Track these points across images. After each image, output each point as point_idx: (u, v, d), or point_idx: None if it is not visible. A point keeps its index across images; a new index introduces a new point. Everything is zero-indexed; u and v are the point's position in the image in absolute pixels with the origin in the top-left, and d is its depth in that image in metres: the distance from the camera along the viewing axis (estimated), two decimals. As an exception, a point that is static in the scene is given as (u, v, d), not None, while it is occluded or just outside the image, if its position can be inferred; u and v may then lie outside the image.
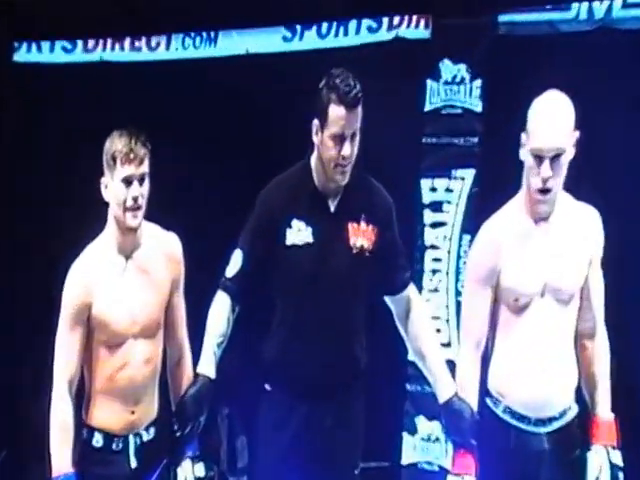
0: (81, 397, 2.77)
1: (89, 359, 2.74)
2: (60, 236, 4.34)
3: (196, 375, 2.80)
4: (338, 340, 2.80)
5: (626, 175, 4.01)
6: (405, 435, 4.37)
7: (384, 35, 4.50)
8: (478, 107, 4.35)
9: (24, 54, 5.06)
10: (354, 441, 2.86)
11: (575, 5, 4.16)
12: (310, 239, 2.78)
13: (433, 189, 4.44)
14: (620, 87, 3.98)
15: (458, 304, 4.25)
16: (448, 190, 4.41)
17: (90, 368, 2.75)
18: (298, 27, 4.62)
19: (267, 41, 4.67)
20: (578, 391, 2.78)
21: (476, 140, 4.35)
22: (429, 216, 4.44)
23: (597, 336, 2.79)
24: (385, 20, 4.50)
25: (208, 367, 2.79)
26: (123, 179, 2.69)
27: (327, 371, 2.79)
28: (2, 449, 4.85)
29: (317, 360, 2.78)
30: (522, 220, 2.73)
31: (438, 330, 4.22)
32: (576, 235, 2.74)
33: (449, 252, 4.39)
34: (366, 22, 4.53)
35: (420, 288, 4.13)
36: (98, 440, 2.74)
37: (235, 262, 2.82)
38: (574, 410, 2.77)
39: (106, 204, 2.75)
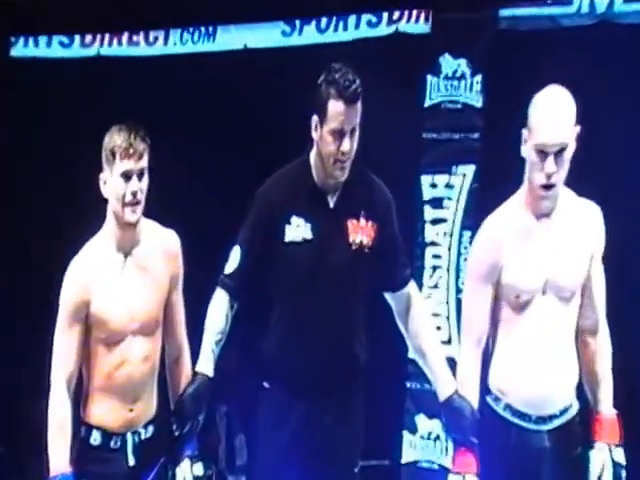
0: (79, 395, 2.76)
1: (87, 357, 2.73)
2: (58, 233, 4.33)
3: (195, 374, 2.79)
4: (337, 337, 2.79)
5: (627, 170, 4.01)
6: (405, 433, 4.36)
7: (384, 30, 4.49)
8: (479, 102, 4.34)
9: (21, 49, 5.06)
10: (354, 439, 2.85)
11: (576, -1, 4.16)
12: (309, 235, 2.77)
13: (433, 185, 4.43)
14: (621, 82, 3.97)
15: (458, 301, 4.24)
16: (448, 186, 4.40)
17: (88, 366, 2.74)
18: (297, 22, 4.61)
19: (266, 36, 4.67)
20: (579, 388, 2.77)
21: (477, 136, 4.34)
22: (429, 212, 4.43)
23: (599, 332, 2.78)
24: (385, 15, 4.49)
25: (207, 365, 2.78)
26: (122, 174, 2.69)
27: (326, 368, 2.78)
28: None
29: (316, 358, 2.77)
30: (523, 216, 2.72)
31: (438, 327, 4.22)
32: (578, 231, 2.73)
33: (449, 249, 4.38)
34: (366, 17, 4.53)
35: (420, 285, 4.12)
36: (96, 438, 2.73)
37: (234, 259, 2.82)
38: (575, 407, 2.76)
39: (105, 200, 2.74)
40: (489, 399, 2.74)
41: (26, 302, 4.81)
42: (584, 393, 2.78)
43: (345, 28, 4.56)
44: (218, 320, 2.79)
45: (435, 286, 4.38)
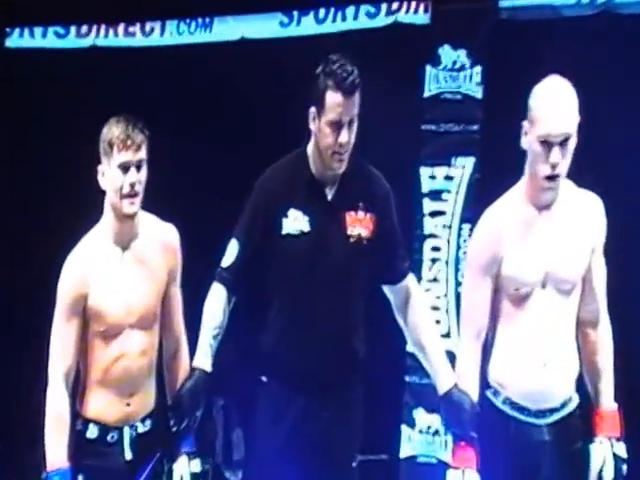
0: (76, 388, 2.75)
1: (84, 350, 2.73)
2: (56, 226, 4.32)
3: (192, 369, 2.78)
4: (336, 331, 2.78)
5: (628, 162, 4.01)
6: (404, 427, 4.35)
7: (383, 20, 4.48)
8: (478, 93, 4.33)
9: (16, 39, 5.06)
10: (352, 433, 2.84)
11: (578, -11, 4.14)
12: (307, 228, 2.76)
13: (432, 177, 4.41)
14: (622, 72, 3.95)
15: (458, 294, 4.23)
16: (448, 178, 4.38)
17: (85, 359, 2.74)
18: (295, 12, 4.59)
19: (263, 27, 4.65)
20: (579, 382, 2.76)
21: (476, 127, 4.33)
22: (428, 205, 4.41)
23: (600, 325, 2.77)
24: (384, 5, 4.49)
25: (204, 361, 2.77)
26: (120, 165, 2.68)
27: (325, 363, 2.77)
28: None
29: (314, 351, 2.76)
30: (524, 208, 2.71)
31: (437, 321, 4.21)
32: (579, 223, 2.72)
33: (449, 241, 4.37)
34: (364, 7, 4.52)
35: (419, 278, 4.10)
36: (93, 431, 2.73)
37: (231, 252, 2.81)
38: (575, 401, 2.75)
39: (102, 193, 2.73)
40: (488, 393, 2.73)
41: (24, 296, 4.79)
42: (584, 386, 2.77)
43: (344, 19, 4.55)
44: (216, 314, 2.78)
45: (434, 279, 4.37)
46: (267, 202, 2.77)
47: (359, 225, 2.78)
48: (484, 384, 2.73)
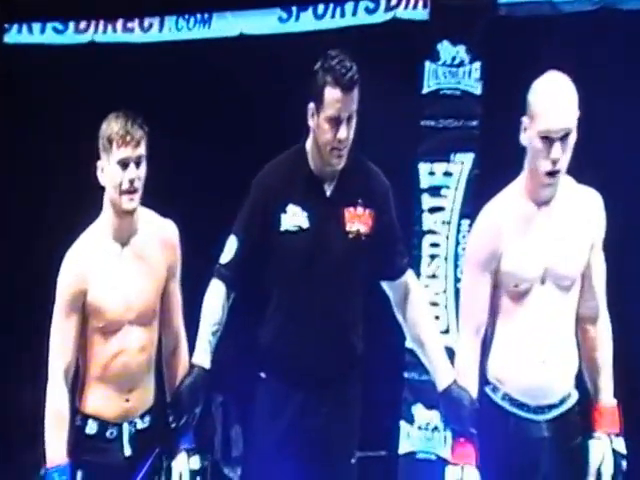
0: (75, 384, 2.75)
1: (84, 346, 2.72)
2: (55, 222, 4.31)
3: (191, 366, 2.78)
4: (334, 327, 2.78)
5: (627, 158, 4.00)
6: (403, 424, 4.34)
7: (381, 16, 4.47)
8: (477, 89, 4.31)
9: (14, 35, 5.04)
10: (351, 430, 2.84)
11: (577, -16, 4.13)
12: (306, 224, 2.76)
13: (431, 173, 4.40)
14: (622, 67, 3.95)
15: (457, 290, 4.23)
16: (447, 174, 4.37)
17: (85, 355, 2.73)
18: (294, 8, 4.58)
19: (262, 22, 4.64)
20: (578, 378, 2.75)
21: (475, 123, 4.32)
22: (427, 201, 4.41)
23: (599, 320, 2.77)
24: (382, 1, 4.47)
25: (203, 357, 2.77)
26: (119, 161, 2.67)
27: (323, 359, 2.76)
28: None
29: (313, 347, 2.76)
30: (523, 204, 2.70)
31: (436, 317, 4.20)
32: (578, 218, 2.72)
33: (447, 237, 4.37)
34: (363, 3, 4.51)
35: (418, 274, 4.09)
36: (92, 427, 2.72)
37: (229, 249, 2.80)
38: (574, 397, 2.75)
39: (102, 189, 2.73)
40: (487, 389, 2.73)
41: (23, 293, 4.79)
42: (583, 382, 2.77)
43: (342, 14, 4.53)
44: (214, 311, 2.78)
45: (433, 275, 4.36)
46: (266, 198, 2.77)
47: (358, 221, 2.78)
48: (483, 380, 2.73)
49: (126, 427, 2.73)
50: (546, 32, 4.10)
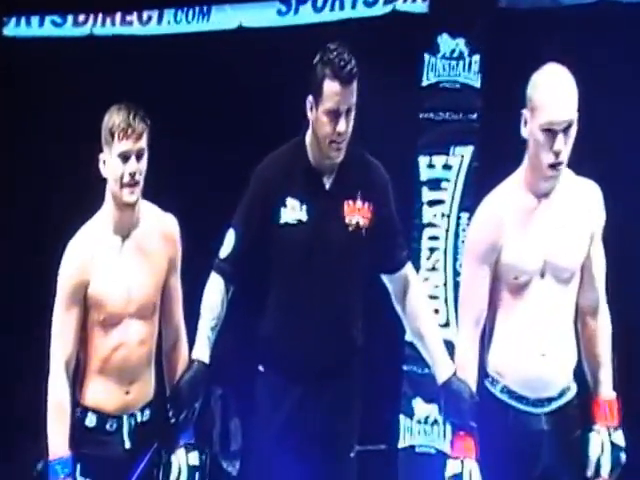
0: (76, 377, 2.75)
1: (84, 339, 2.72)
2: (55, 214, 4.31)
3: (191, 360, 2.78)
4: (334, 320, 2.78)
5: (627, 150, 4.00)
6: (402, 417, 4.34)
7: (381, 9, 4.45)
8: (477, 82, 4.31)
9: (13, 28, 5.03)
10: (350, 423, 2.84)
11: (577, -23, 4.12)
12: (305, 217, 2.75)
13: (431, 166, 4.40)
14: (622, 60, 3.94)
15: (456, 284, 4.22)
16: (446, 167, 4.37)
17: (85, 348, 2.73)
18: (293, 1, 4.57)
19: (261, 15, 4.63)
20: (577, 370, 2.75)
21: (475, 116, 4.31)
22: (427, 194, 4.40)
23: (599, 313, 2.76)
24: (382, -7, 4.45)
25: (203, 352, 2.77)
26: (120, 154, 2.67)
27: (323, 352, 2.76)
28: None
29: (312, 341, 2.75)
30: (523, 196, 2.70)
31: (436, 310, 4.20)
32: (577, 211, 2.71)
33: (447, 230, 4.36)
34: (363, -5, 4.48)
35: (418, 267, 4.09)
36: (92, 420, 2.72)
37: (228, 242, 2.80)
38: (573, 390, 2.75)
39: (103, 181, 2.72)
40: (486, 382, 2.73)
41: (24, 286, 4.79)
42: (583, 375, 2.77)
43: (342, 7, 4.52)
44: (214, 305, 2.78)
45: (433, 268, 4.36)
46: (265, 191, 2.76)
47: (357, 214, 2.78)
48: (483, 373, 2.73)
49: (126, 420, 2.73)
50: (546, 25, 4.09)
